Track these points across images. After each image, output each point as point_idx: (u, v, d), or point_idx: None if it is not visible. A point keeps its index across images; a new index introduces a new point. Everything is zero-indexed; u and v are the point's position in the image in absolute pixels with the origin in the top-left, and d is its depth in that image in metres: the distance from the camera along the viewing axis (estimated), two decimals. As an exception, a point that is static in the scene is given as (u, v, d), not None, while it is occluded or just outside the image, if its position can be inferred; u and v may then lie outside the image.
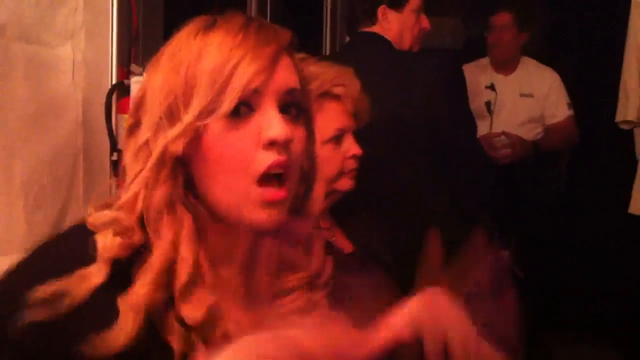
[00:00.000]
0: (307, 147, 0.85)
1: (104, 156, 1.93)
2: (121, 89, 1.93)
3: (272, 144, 0.79)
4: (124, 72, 1.95)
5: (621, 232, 3.29)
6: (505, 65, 3.32)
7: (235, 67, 0.78)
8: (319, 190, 0.89)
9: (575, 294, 3.37)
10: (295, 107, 0.83)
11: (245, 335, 0.69)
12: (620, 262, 3.35)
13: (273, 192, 0.79)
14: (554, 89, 3.29)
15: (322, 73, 1.38)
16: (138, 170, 0.80)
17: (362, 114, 1.46)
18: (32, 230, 1.75)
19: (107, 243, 0.77)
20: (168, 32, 0.87)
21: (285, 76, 0.82)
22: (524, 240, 2.56)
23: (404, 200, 2.06)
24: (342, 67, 1.44)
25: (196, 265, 0.78)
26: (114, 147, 1.92)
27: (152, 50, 0.88)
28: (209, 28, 0.82)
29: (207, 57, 0.79)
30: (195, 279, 0.78)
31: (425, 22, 2.24)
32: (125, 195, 0.80)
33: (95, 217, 0.80)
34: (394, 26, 2.17)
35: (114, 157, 1.91)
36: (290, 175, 0.81)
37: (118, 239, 0.77)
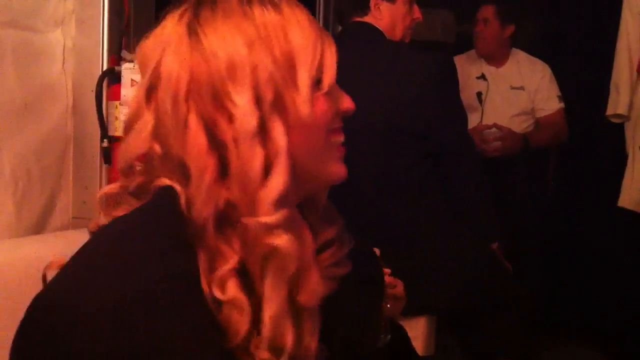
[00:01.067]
0: None
1: (95, 143, 1.92)
2: (112, 75, 1.92)
3: (346, 114, 0.87)
4: (115, 59, 1.94)
5: (611, 226, 3.31)
6: (494, 58, 3.32)
7: (322, 44, 0.83)
8: None
9: (565, 290, 3.37)
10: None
11: None
12: (610, 256, 3.37)
13: (342, 149, 0.87)
14: (544, 81, 3.30)
15: None
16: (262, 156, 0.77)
17: None
18: (20, 218, 1.74)
19: None
20: (159, 18, 0.84)
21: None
22: (513, 235, 2.57)
23: (387, 192, 2.07)
24: None
25: None
26: (105, 134, 1.91)
27: (143, 36, 0.85)
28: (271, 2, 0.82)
29: (297, 33, 0.81)
30: None
31: (417, 13, 2.25)
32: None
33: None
34: (386, 16, 2.18)
35: (105, 144, 1.91)
36: None
37: None
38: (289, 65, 0.79)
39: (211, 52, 0.78)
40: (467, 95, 3.16)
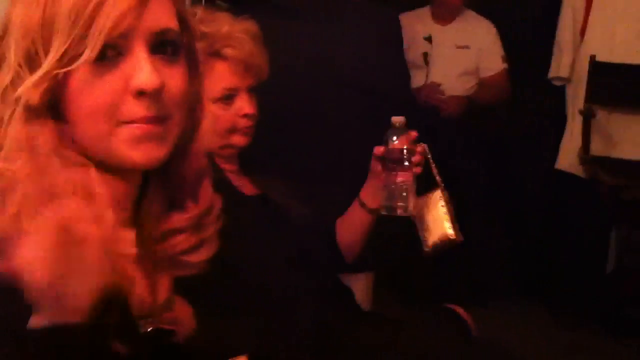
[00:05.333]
0: (190, 84, 0.80)
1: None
2: None
3: (140, 94, 0.73)
4: None
5: (548, 187, 3.38)
6: (446, 16, 3.31)
7: (99, 5, 0.71)
8: (206, 130, 0.87)
9: (510, 251, 3.43)
10: (172, 45, 0.77)
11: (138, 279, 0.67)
12: (547, 217, 3.44)
13: (143, 127, 0.75)
14: (489, 41, 3.31)
15: (212, 34, 1.41)
16: (9, 114, 0.73)
17: (258, 71, 1.48)
18: None
19: None
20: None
21: (158, 15, 0.75)
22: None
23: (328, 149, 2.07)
24: (236, 25, 1.45)
25: None
26: None
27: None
28: None
29: None
30: None
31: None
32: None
33: None
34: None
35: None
36: (169, 114, 0.77)
37: None
38: (47, 33, 0.72)
39: None
40: (413, 55, 3.16)
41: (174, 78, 0.77)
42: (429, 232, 1.57)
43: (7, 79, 0.73)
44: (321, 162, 2.05)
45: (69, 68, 0.71)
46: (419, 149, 1.50)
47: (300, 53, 1.99)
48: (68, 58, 0.71)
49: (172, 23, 0.77)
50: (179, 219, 0.83)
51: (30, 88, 0.72)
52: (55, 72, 0.71)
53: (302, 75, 1.96)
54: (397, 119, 1.50)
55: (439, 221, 1.55)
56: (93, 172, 0.75)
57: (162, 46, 0.76)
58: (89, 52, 0.71)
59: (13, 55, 0.73)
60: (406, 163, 1.49)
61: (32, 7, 0.72)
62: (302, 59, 1.99)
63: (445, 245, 1.56)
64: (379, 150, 1.50)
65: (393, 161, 1.49)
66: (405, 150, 1.49)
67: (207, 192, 0.86)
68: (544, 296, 3.24)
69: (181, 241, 0.82)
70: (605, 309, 3.00)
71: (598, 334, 2.87)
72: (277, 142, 1.81)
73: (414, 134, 1.50)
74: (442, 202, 1.55)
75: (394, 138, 1.49)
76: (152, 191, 0.82)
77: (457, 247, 1.59)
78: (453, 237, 1.55)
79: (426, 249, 1.58)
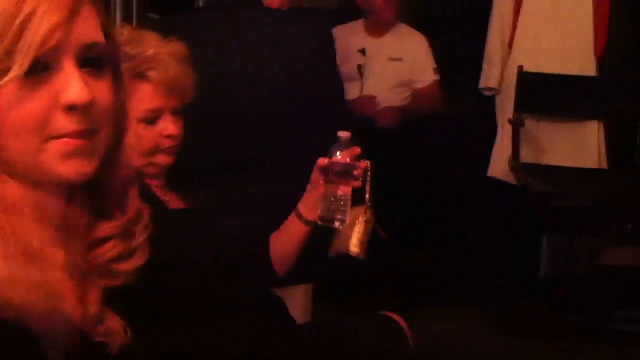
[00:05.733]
0: (116, 96, 0.80)
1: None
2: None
3: (71, 109, 0.72)
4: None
5: (480, 194, 3.45)
6: (379, 28, 3.36)
7: (27, 19, 0.69)
8: (130, 147, 0.86)
9: (442, 257, 3.46)
10: (99, 59, 0.76)
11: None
12: (479, 224, 3.51)
13: (73, 141, 0.74)
14: (421, 53, 3.38)
15: (137, 55, 1.41)
16: None
17: (183, 93, 1.49)
18: None
19: None
20: None
21: (85, 29, 0.74)
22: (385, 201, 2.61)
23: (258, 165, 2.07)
24: (163, 47, 1.46)
25: None
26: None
27: None
28: None
29: None
30: None
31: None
32: None
33: None
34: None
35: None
36: (97, 128, 0.76)
37: None
38: None
39: None
40: (348, 67, 3.20)
41: (102, 91, 0.76)
42: (337, 239, 1.63)
43: None
44: (253, 174, 2.05)
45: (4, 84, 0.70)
46: (362, 164, 1.54)
47: (227, 63, 1.99)
48: None
49: (99, 36, 0.77)
50: (105, 227, 0.82)
51: None
52: None
53: (230, 86, 1.95)
54: (344, 134, 1.54)
55: (350, 235, 1.59)
56: (15, 187, 0.74)
57: (90, 60, 0.75)
58: (18, 68, 0.69)
59: None
60: (348, 177, 1.52)
61: None
62: (230, 69, 1.99)
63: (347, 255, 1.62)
64: (323, 161, 1.53)
65: (336, 173, 1.53)
66: (348, 164, 1.52)
67: (134, 201, 0.86)
68: (479, 302, 3.29)
69: (110, 249, 0.81)
70: (540, 313, 3.08)
71: (533, 339, 2.93)
72: (205, 156, 1.81)
73: (357, 149, 1.54)
74: (361, 219, 1.59)
75: (338, 152, 1.53)
76: (78, 203, 0.81)
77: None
78: (355, 253, 1.59)
79: (330, 253, 1.65)
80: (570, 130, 3.24)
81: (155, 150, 1.47)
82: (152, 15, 3.01)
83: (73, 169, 0.74)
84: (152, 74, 1.43)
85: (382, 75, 3.30)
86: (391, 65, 3.33)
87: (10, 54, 0.69)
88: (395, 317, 1.57)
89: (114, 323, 0.79)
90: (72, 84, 0.72)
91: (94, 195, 0.82)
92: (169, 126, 1.46)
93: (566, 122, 3.23)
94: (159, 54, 1.44)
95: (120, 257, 0.82)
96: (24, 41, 0.69)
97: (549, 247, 3.35)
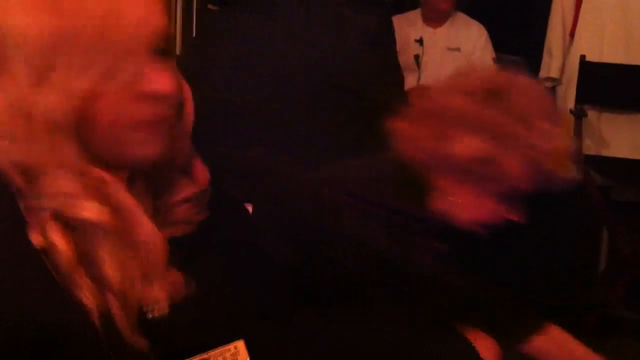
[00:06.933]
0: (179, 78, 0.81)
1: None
2: None
3: (157, 98, 0.75)
4: None
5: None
6: (437, 19, 3.32)
7: (131, 18, 0.71)
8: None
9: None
10: (169, 48, 0.78)
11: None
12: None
13: (155, 126, 0.77)
14: (480, 43, 3.33)
15: None
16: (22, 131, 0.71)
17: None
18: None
19: None
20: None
21: (159, 19, 0.75)
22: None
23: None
24: None
25: None
26: None
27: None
28: None
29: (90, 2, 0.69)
30: None
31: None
32: None
33: None
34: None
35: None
36: (173, 112, 0.79)
37: None
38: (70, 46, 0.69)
39: None
40: (405, 57, 3.17)
41: (173, 78, 0.78)
42: None
43: (13, 93, 0.70)
44: (313, 166, 2.05)
45: (107, 87, 0.71)
46: None
47: (290, 54, 2.00)
48: (103, 76, 0.70)
49: (169, 26, 0.78)
50: (182, 192, 0.85)
51: (55, 104, 0.70)
52: (89, 90, 0.70)
53: (294, 75, 1.96)
54: None
55: None
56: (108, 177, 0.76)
57: (161, 48, 0.76)
58: (130, 72, 0.72)
59: (20, 68, 0.69)
60: None
61: (42, 16, 0.69)
62: (293, 59, 1.99)
63: None
64: None
65: None
66: None
67: (202, 171, 0.88)
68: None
69: (187, 209, 0.85)
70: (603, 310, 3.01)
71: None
72: (263, 147, 1.82)
73: None
74: None
75: None
76: (141, 184, 0.83)
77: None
78: None
79: None
80: (633, 122, 3.16)
81: None
82: (211, 6, 3.04)
83: (152, 151, 0.77)
84: None
85: (440, 66, 3.27)
86: (449, 55, 3.29)
87: (119, 55, 0.71)
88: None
89: (176, 277, 0.80)
90: (160, 74, 0.74)
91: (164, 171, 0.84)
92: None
93: (630, 114, 3.15)
94: None
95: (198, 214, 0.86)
96: (132, 41, 0.71)
97: (609, 242, 3.27)
